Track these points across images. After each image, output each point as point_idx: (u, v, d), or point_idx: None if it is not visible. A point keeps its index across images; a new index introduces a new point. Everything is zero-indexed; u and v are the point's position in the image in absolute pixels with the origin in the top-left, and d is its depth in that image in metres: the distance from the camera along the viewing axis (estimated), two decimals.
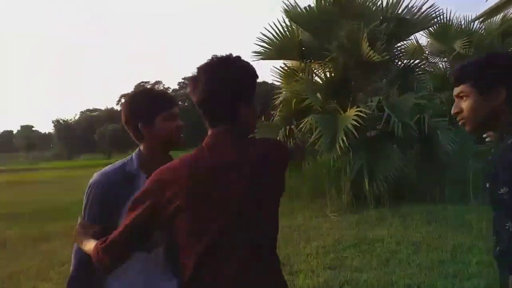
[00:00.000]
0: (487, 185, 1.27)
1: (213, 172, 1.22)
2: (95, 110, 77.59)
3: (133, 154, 1.64)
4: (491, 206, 1.28)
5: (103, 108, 78.24)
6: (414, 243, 4.83)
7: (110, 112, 71.43)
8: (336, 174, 7.49)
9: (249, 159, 1.26)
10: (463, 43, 9.34)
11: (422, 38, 9.90)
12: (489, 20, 8.41)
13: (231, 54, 1.30)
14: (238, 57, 1.30)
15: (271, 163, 1.31)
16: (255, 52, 8.12)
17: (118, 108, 73.99)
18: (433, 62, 10.60)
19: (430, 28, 9.25)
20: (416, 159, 7.67)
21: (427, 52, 10.44)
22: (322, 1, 7.40)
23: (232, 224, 1.23)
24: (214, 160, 1.24)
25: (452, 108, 1.35)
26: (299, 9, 7.54)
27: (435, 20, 7.66)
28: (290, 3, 7.56)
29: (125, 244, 1.22)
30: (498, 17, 8.15)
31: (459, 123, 1.35)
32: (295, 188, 8.28)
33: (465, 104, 1.31)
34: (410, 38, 8.20)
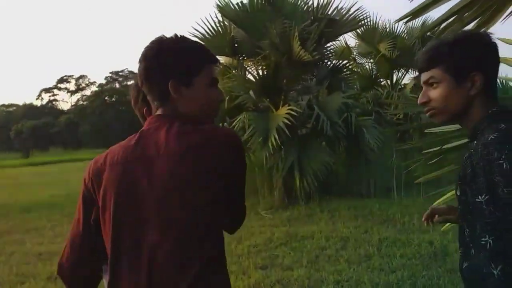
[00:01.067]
0: (459, 187, 1.11)
1: (109, 166, 1.10)
2: (11, 105, 71.64)
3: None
4: (461, 212, 1.13)
5: (20, 103, 72.38)
6: (342, 239, 4.98)
7: (28, 108, 66.47)
8: (268, 171, 7.54)
9: (165, 152, 1.06)
10: (388, 45, 9.88)
11: (350, 39, 10.30)
12: (410, 24, 9.00)
13: (178, 35, 1.16)
14: (185, 37, 1.16)
15: (200, 159, 1.05)
16: None
17: (37, 103, 69.15)
18: (360, 63, 11.10)
19: (358, 30, 9.65)
20: (344, 156, 7.97)
21: (354, 53, 10.90)
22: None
23: (126, 233, 1.07)
24: (117, 150, 1.12)
25: (419, 97, 1.16)
26: (232, 6, 7.45)
27: (362, 22, 7.98)
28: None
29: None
30: (419, 20, 8.72)
31: (427, 114, 1.18)
32: None
33: (435, 92, 1.13)
34: (339, 39, 8.48)
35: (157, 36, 1.16)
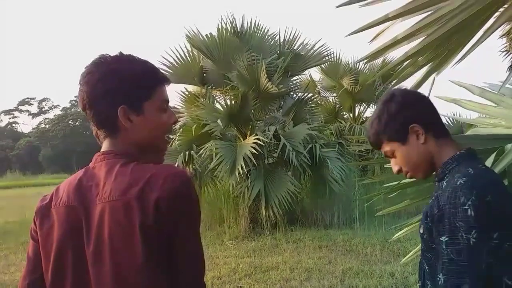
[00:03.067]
0: (422, 226, 1.16)
1: (54, 207, 1.02)
2: None
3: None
4: (427, 249, 1.17)
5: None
6: (307, 269, 5.00)
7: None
8: (234, 200, 7.52)
9: (101, 198, 0.95)
10: (350, 80, 10.28)
11: (315, 73, 10.66)
12: (372, 62, 9.46)
13: (124, 54, 1.06)
14: (132, 56, 1.06)
15: (135, 209, 0.91)
16: None
17: None
18: (324, 97, 11.46)
19: (322, 65, 10.02)
20: (309, 186, 8.08)
21: (319, 86, 11.27)
22: (224, 31, 7.56)
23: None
24: (63, 189, 1.03)
25: (392, 168, 1.27)
26: (200, 36, 7.58)
27: (326, 58, 8.32)
28: (192, 29, 7.58)
29: None
30: (379, 60, 9.19)
31: (408, 177, 1.27)
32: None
33: (398, 160, 1.24)
34: (304, 73, 8.76)
35: (99, 55, 1.04)
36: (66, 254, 0.98)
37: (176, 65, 7.87)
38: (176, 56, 7.79)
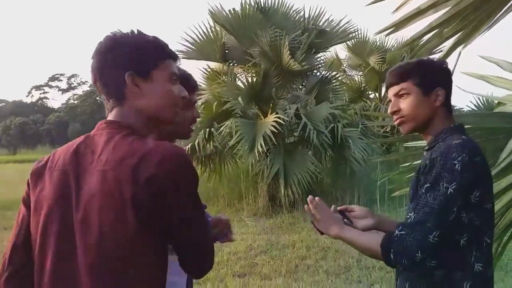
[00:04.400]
0: (414, 180, 1.23)
1: (48, 170, 1.01)
2: (0, 101, 70.64)
3: None
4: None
5: (10, 100, 71.41)
6: (323, 249, 4.97)
7: (17, 105, 65.54)
8: (253, 178, 7.52)
9: (95, 166, 0.93)
10: (377, 58, 9.98)
11: (341, 51, 10.40)
12: (400, 39, 9.14)
13: (135, 31, 1.06)
14: (143, 33, 1.06)
15: (127, 181, 0.88)
16: (178, 51, 7.89)
17: (27, 100, 68.31)
18: (350, 75, 11.19)
19: (349, 43, 9.74)
20: (330, 166, 7.99)
21: (345, 65, 10.99)
22: (247, 6, 7.40)
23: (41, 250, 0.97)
24: (60, 153, 1.02)
25: (390, 106, 1.32)
26: (224, 12, 7.46)
27: (352, 35, 8.04)
28: (215, 5, 7.46)
29: None
30: (407, 37, 8.85)
31: (396, 122, 1.31)
32: (214, 191, 8.19)
33: (406, 102, 1.28)
34: (329, 50, 8.53)
35: (113, 31, 1.06)
36: (53, 220, 0.95)
37: (199, 41, 7.79)
38: (199, 32, 7.71)
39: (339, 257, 4.64)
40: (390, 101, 1.33)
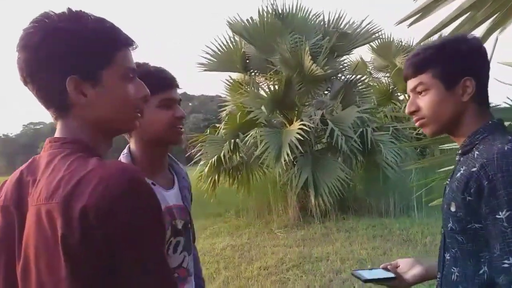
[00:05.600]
0: (462, 201, 0.96)
1: None
2: (39, 123, 73.52)
3: (121, 156, 1.23)
4: (457, 232, 0.99)
5: (47, 122, 74.23)
6: (359, 260, 4.70)
7: (55, 126, 67.92)
8: (282, 188, 7.33)
9: (32, 199, 0.75)
10: (404, 58, 9.60)
11: (366, 54, 10.13)
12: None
13: (73, 10, 0.80)
14: (84, 12, 0.80)
15: (59, 216, 0.69)
16: (200, 63, 7.89)
17: None
18: (377, 77, 10.84)
19: (373, 44, 9.44)
20: (361, 172, 7.68)
21: (370, 67, 10.67)
22: (265, 14, 7.30)
23: None
24: (9, 182, 0.84)
25: (407, 106, 1.08)
26: (241, 22, 7.38)
27: (376, 35, 7.77)
28: (233, 15, 7.42)
29: None
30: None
31: (417, 124, 1.08)
32: (243, 203, 8.04)
33: (425, 100, 1.03)
34: (352, 53, 8.29)
35: (41, 12, 0.78)
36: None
37: (219, 52, 7.75)
38: (219, 44, 7.67)
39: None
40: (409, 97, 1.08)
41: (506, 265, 0.87)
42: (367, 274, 1.21)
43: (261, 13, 7.29)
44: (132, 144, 1.23)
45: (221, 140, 7.33)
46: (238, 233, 6.63)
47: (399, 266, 1.21)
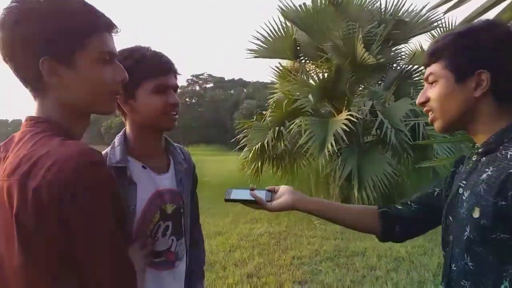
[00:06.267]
0: (494, 206, 0.86)
1: None
2: None
3: (115, 139, 1.25)
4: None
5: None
6: (396, 259, 4.53)
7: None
8: (325, 179, 7.21)
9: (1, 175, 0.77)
10: None
11: (426, 43, 9.54)
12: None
13: None
14: None
15: (16, 193, 0.71)
16: (250, 50, 7.88)
17: None
18: None
19: (434, 32, 8.89)
20: (410, 167, 7.35)
21: None
22: (318, 1, 7.10)
23: None
24: None
25: (419, 96, 1.01)
26: (294, 8, 7.25)
27: (436, 23, 7.29)
28: (285, 1, 7.29)
29: None
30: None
31: (429, 117, 1.01)
32: None
33: (433, 91, 0.97)
34: (410, 41, 7.85)
35: None
36: None
37: (270, 39, 7.69)
38: (270, 30, 7.60)
39: (413, 269, 4.18)
40: None
41: None
42: (233, 193, 1.23)
43: (314, 0, 7.11)
44: (127, 128, 1.25)
45: (266, 127, 7.33)
46: (277, 220, 6.64)
47: (277, 191, 1.24)
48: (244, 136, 7.61)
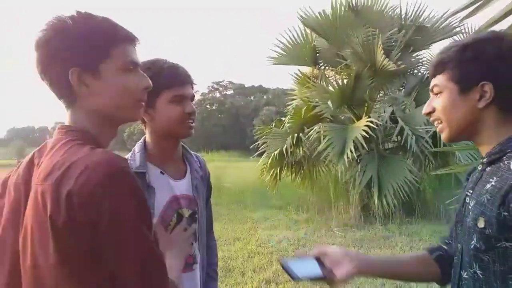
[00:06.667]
0: (497, 216, 0.88)
1: (10, 184, 0.94)
2: None
3: (136, 146, 1.32)
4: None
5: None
6: None
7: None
8: (344, 186, 7.17)
9: (35, 182, 0.83)
10: None
11: None
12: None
13: (81, 12, 0.90)
14: (90, 14, 0.90)
15: (49, 201, 0.76)
16: (270, 57, 7.94)
17: None
18: None
19: (456, 38, 8.79)
20: (431, 174, 7.23)
21: None
22: (338, 7, 7.12)
23: None
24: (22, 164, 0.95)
25: (424, 106, 1.05)
26: (313, 15, 7.28)
27: (457, 29, 7.19)
28: (305, 9, 7.32)
29: None
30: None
31: (436, 128, 1.05)
32: (304, 199, 8.02)
33: (438, 102, 1.00)
34: (431, 47, 7.76)
35: (54, 16, 0.89)
36: (7, 237, 0.89)
37: (290, 46, 7.73)
38: (290, 37, 7.65)
39: None
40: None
41: None
42: (297, 268, 1.08)
43: (334, 6, 7.13)
44: (147, 136, 1.32)
45: (285, 134, 7.34)
46: (296, 227, 6.63)
47: (327, 256, 1.10)
48: (263, 143, 7.64)
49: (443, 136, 1.03)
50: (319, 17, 7.26)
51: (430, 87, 1.03)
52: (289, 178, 7.68)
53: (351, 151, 6.03)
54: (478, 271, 0.92)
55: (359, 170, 6.49)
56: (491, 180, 0.93)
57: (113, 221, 0.75)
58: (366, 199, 6.79)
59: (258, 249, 5.30)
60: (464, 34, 8.29)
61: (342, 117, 7.68)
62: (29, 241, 0.81)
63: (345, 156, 6.09)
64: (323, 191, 7.66)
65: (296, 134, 6.93)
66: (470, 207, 0.97)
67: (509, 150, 0.93)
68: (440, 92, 0.99)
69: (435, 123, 1.03)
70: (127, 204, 0.76)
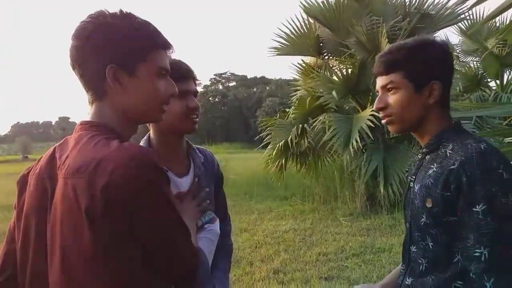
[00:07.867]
0: (441, 196, 1.02)
1: (31, 177, 0.96)
2: None
3: (140, 143, 1.33)
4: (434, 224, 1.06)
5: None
6: None
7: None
8: (350, 176, 7.17)
9: (61, 173, 0.86)
10: (497, 42, 8.70)
11: (454, 36, 9.34)
12: None
13: (124, 11, 0.93)
14: (133, 15, 0.93)
15: (84, 189, 0.80)
16: (272, 47, 7.90)
17: None
18: (464, 62, 9.97)
19: (462, 26, 8.69)
20: None
21: (458, 50, 9.83)
22: None
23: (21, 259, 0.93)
24: (42, 158, 0.97)
25: (376, 101, 1.15)
26: (316, 4, 7.22)
27: (462, 16, 7.11)
28: None
29: None
30: None
31: (384, 121, 1.16)
32: (309, 189, 8.03)
33: (393, 98, 1.11)
34: (436, 35, 7.68)
35: (97, 10, 0.92)
36: (30, 232, 0.91)
37: (293, 36, 7.68)
38: (292, 27, 7.59)
39: None
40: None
41: (477, 254, 0.95)
42: None
43: None
44: (151, 132, 1.33)
45: (289, 125, 7.34)
46: (302, 217, 6.66)
47: None
48: (268, 134, 7.64)
49: (393, 129, 1.15)
50: (322, 6, 7.20)
51: (383, 84, 1.11)
52: (294, 169, 7.70)
53: (356, 141, 6.02)
54: (430, 243, 1.07)
55: (364, 160, 6.48)
56: (431, 166, 1.08)
57: (150, 209, 0.82)
58: (372, 188, 6.80)
59: (266, 240, 5.34)
60: (470, 21, 8.23)
61: (347, 107, 7.65)
62: (57, 232, 0.83)
63: (350, 146, 6.08)
64: (329, 181, 7.68)
65: (300, 125, 6.93)
66: (416, 190, 1.12)
67: (444, 140, 1.08)
68: (395, 89, 1.10)
69: (386, 118, 1.13)
70: (160, 192, 0.83)
